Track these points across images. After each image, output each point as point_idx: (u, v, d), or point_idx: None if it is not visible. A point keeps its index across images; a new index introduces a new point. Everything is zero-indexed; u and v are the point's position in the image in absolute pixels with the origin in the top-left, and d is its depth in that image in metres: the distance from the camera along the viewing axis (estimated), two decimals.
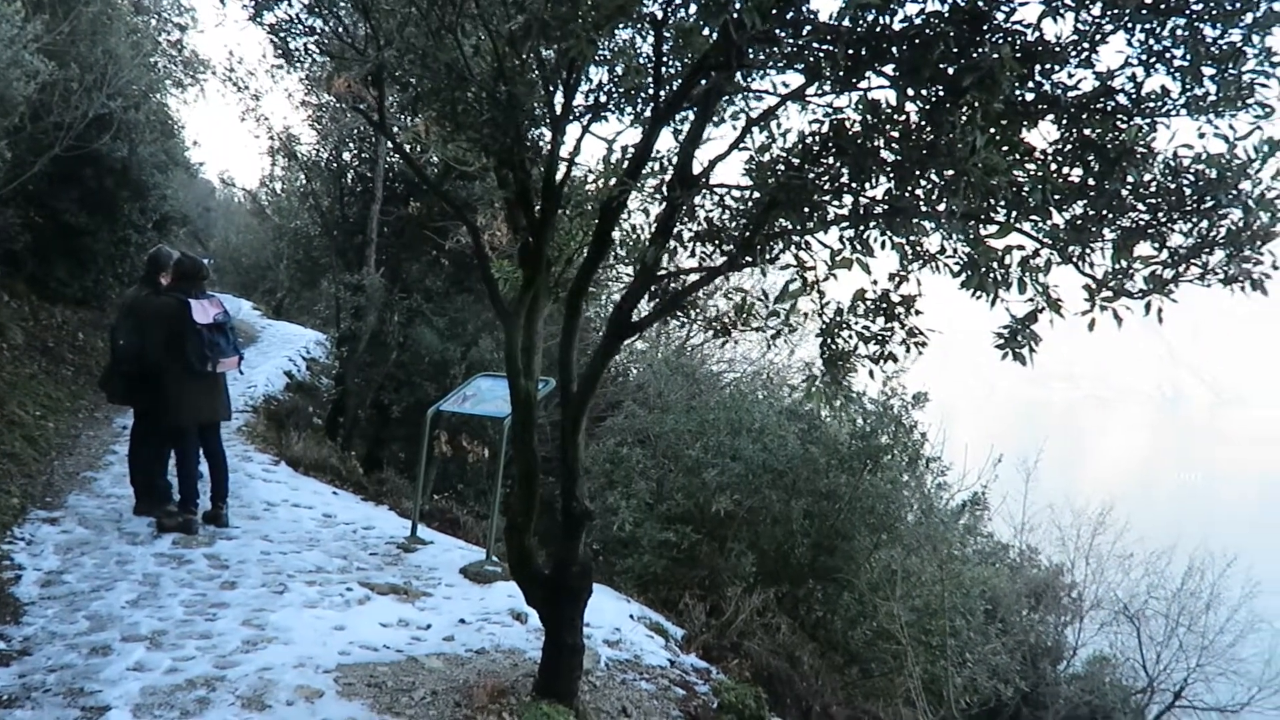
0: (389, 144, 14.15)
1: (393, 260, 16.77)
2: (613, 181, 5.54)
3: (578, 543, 5.97)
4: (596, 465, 11.69)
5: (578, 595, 6.04)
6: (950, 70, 4.20)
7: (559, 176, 5.80)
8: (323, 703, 5.76)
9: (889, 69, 4.50)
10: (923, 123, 4.53)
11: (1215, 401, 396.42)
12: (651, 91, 5.43)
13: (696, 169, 5.22)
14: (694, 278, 5.38)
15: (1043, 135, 4.54)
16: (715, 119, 5.82)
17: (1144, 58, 4.43)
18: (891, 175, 4.66)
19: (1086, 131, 4.56)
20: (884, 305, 4.92)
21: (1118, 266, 4.66)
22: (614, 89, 6.24)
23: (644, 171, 5.58)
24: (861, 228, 4.80)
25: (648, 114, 5.77)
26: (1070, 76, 4.56)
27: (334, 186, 17.25)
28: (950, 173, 4.43)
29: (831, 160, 4.80)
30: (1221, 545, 20.10)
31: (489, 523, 9.95)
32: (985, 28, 4.35)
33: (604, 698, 6.87)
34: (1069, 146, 4.59)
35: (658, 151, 5.81)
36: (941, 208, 4.58)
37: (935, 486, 14.49)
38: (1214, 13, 4.26)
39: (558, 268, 6.72)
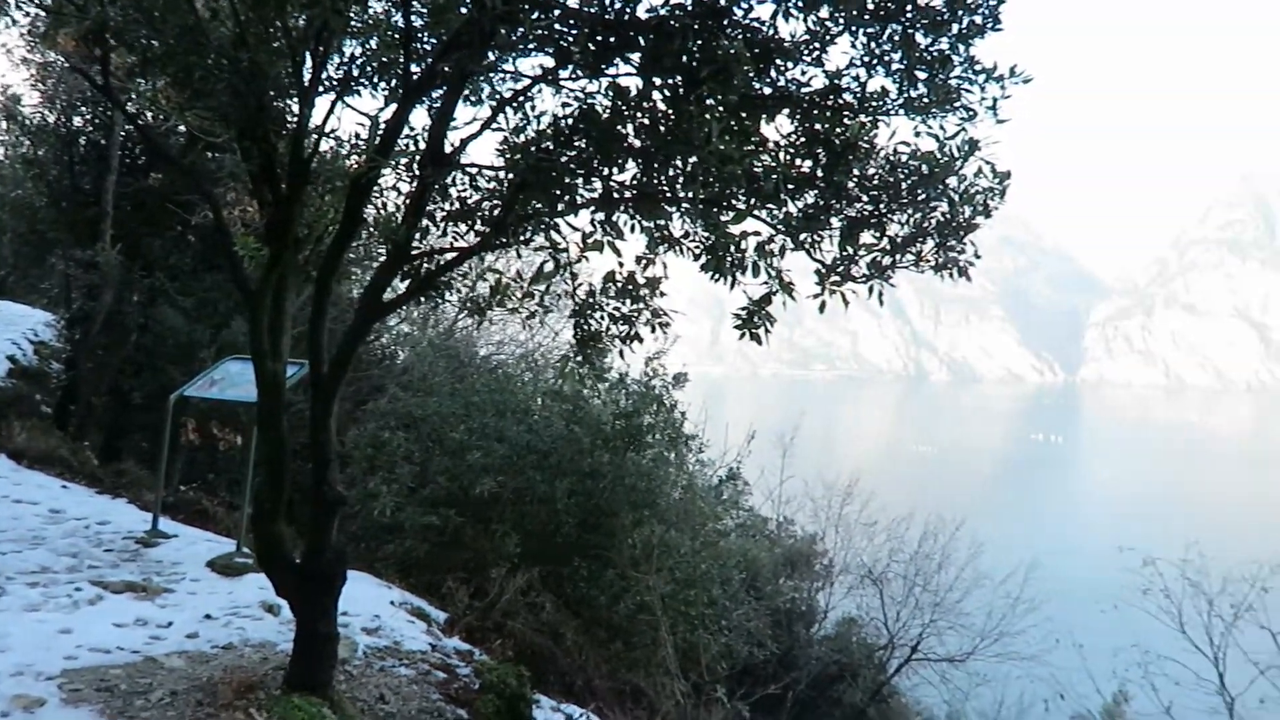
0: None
1: (132, 235, 15.45)
2: (364, 158, 5.41)
3: (330, 529, 5.80)
4: (358, 450, 11.37)
5: (331, 583, 5.87)
6: (690, 61, 4.39)
7: (307, 150, 5.58)
8: (45, 712, 5.31)
9: (635, 57, 4.64)
10: (668, 111, 4.71)
11: (953, 380, 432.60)
12: (404, 68, 5.33)
13: (450, 148, 5.17)
14: (448, 258, 5.33)
15: (777, 128, 4.83)
16: (473, 99, 5.78)
17: (867, 59, 4.78)
18: (639, 160, 4.82)
19: (817, 126, 4.88)
20: (631, 287, 5.07)
21: (845, 253, 5.02)
22: (367, 63, 6.07)
23: (397, 149, 5.47)
24: (611, 211, 4.93)
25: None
26: (803, 74, 4.86)
27: (63, 154, 15.73)
28: (694, 160, 4.63)
29: (582, 144, 4.90)
30: (951, 510, 21.91)
31: (241, 513, 9.47)
32: (725, 23, 4.56)
33: (361, 686, 6.73)
34: (801, 140, 4.90)
35: (412, 129, 5.71)
36: (686, 194, 4.78)
37: (696, 463, 15.00)
38: (925, 22, 4.65)
39: (310, 246, 6.47)
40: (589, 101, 4.88)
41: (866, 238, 4.98)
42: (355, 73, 6.00)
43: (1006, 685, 18.19)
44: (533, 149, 4.90)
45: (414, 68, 5.21)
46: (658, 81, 4.62)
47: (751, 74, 4.54)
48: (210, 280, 15.21)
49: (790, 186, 4.78)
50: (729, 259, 4.73)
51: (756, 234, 4.82)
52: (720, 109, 4.48)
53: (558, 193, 4.76)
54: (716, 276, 4.71)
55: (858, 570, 19.94)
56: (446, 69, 4.93)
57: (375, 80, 6.06)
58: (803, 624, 18.80)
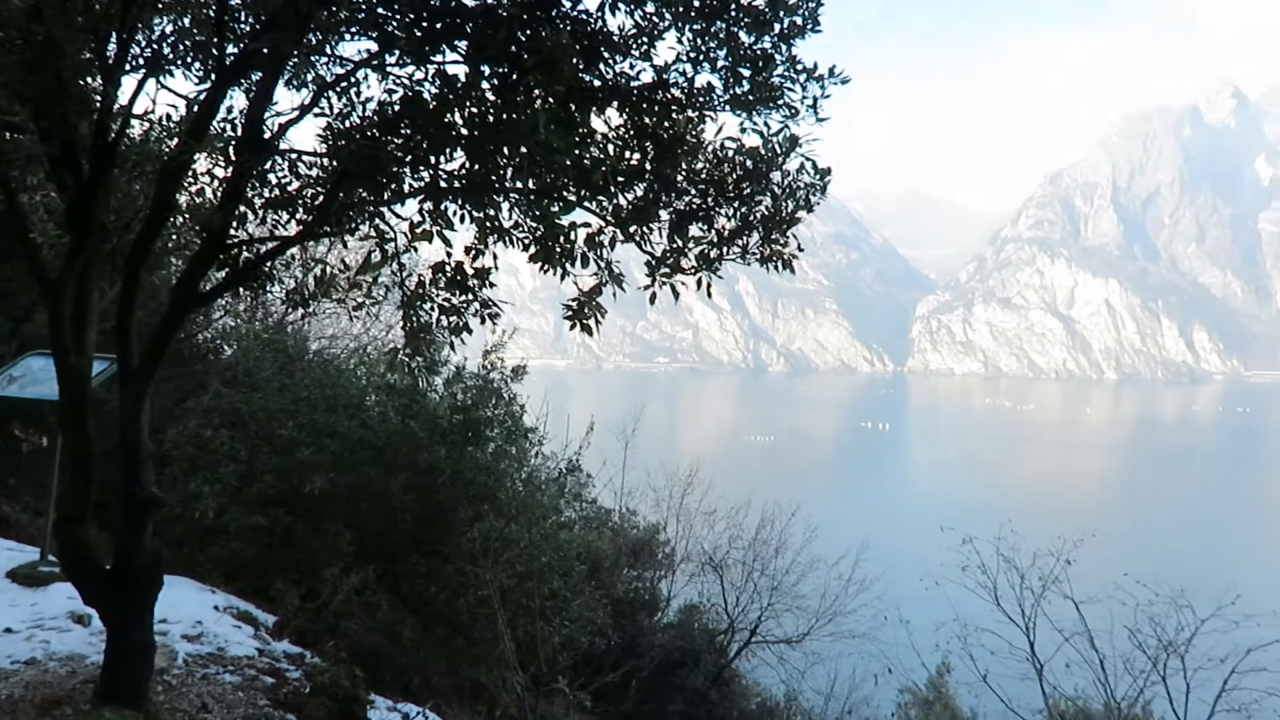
0: None
1: None
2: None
3: (143, 532, 5.49)
4: (178, 450, 10.79)
5: (145, 588, 5.56)
6: (518, 51, 4.36)
7: (112, 132, 5.24)
8: None
9: (462, 45, 4.58)
10: (496, 100, 4.67)
11: (790, 371, 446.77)
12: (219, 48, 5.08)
13: (269, 133, 4.97)
14: (268, 247, 5.13)
15: (606, 121, 4.86)
16: (295, 83, 5.57)
17: (693, 56, 4.88)
18: (467, 150, 4.76)
19: (645, 120, 4.94)
20: (460, 278, 5.01)
21: (674, 245, 5.12)
22: (179, 41, 5.75)
23: (212, 132, 5.22)
24: (439, 200, 4.86)
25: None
26: (631, 68, 4.91)
27: None
28: (523, 150, 4.61)
29: (409, 132, 4.81)
30: (788, 497, 22.59)
31: (46, 519, 8.85)
32: (552, 13, 4.55)
33: (181, 696, 6.41)
34: (630, 133, 4.95)
35: (229, 112, 5.45)
36: (515, 184, 4.76)
37: (538, 456, 14.94)
38: (748, 21, 4.78)
39: (118, 234, 6.10)
40: (416, 89, 4.79)
41: (694, 230, 5.08)
42: (166, 51, 5.68)
43: (840, 663, 18.90)
44: (357, 136, 4.77)
45: (230, 48, 4.98)
46: (485, 70, 4.57)
47: (580, 65, 4.55)
48: (8, 270, 14.11)
49: (619, 179, 4.83)
50: (558, 250, 4.74)
51: (586, 225, 4.86)
52: (549, 100, 4.47)
53: (383, 181, 4.65)
54: (546, 267, 4.71)
55: (699, 558, 20.22)
56: (264, 50, 4.74)
57: (189, 60, 5.76)
58: (646, 612, 19.01)
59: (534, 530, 11.18)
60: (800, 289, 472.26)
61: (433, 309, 5.20)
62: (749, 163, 4.98)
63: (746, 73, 4.89)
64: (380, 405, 11.69)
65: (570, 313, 4.97)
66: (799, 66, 4.95)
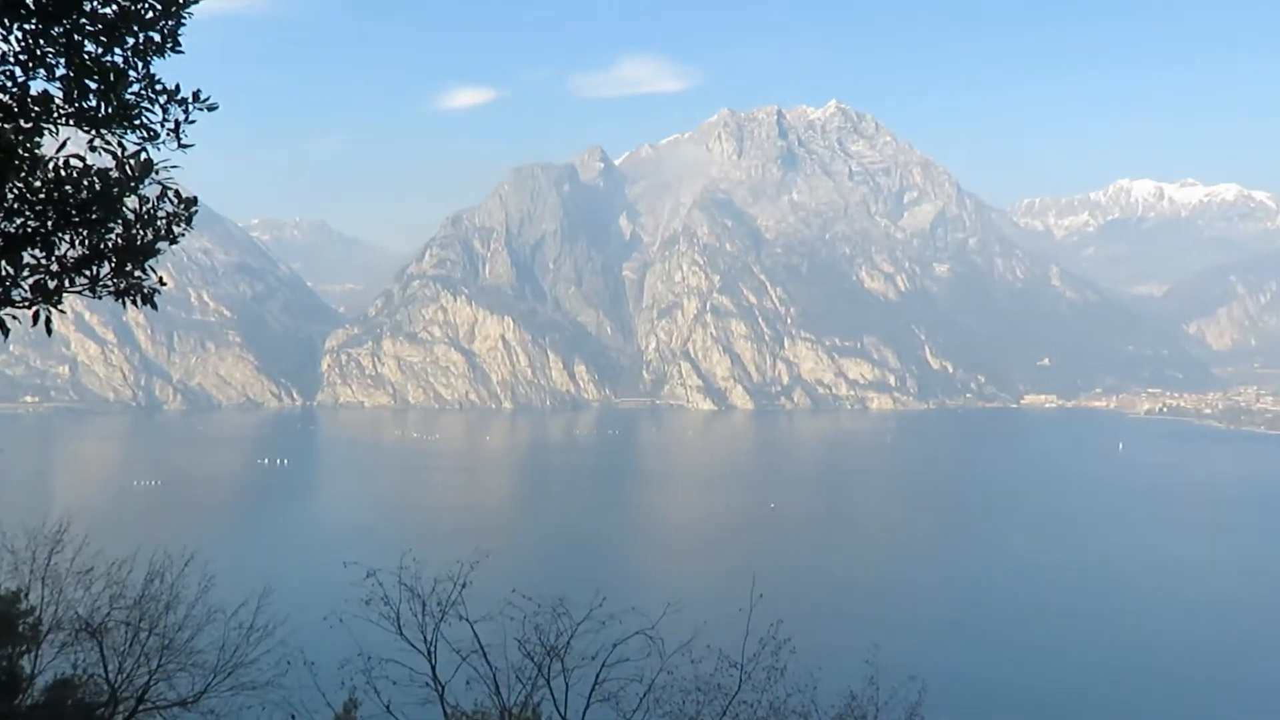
0: None
1: None
2: None
3: None
4: None
5: None
6: None
7: None
8: None
9: None
10: None
11: (189, 409, 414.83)
12: None
13: None
14: None
15: None
16: None
17: (25, 59, 4.32)
18: None
19: None
20: None
21: (3, 273, 4.47)
22: None
23: None
24: None
25: None
26: None
27: None
28: None
29: None
30: (180, 545, 21.07)
31: None
32: None
33: None
34: None
35: None
36: None
37: None
38: (95, 29, 4.36)
39: None
40: None
41: (29, 258, 4.49)
42: None
43: (242, 716, 18.23)
44: None
45: None
46: None
47: None
48: None
49: None
50: None
51: None
52: None
53: None
54: None
55: (72, 624, 18.33)
56: None
57: None
58: (4, 697, 16.74)
59: None
60: (200, 320, 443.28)
61: None
62: (98, 185, 4.53)
63: (94, 86, 4.45)
64: None
65: None
66: (158, 86, 4.64)
